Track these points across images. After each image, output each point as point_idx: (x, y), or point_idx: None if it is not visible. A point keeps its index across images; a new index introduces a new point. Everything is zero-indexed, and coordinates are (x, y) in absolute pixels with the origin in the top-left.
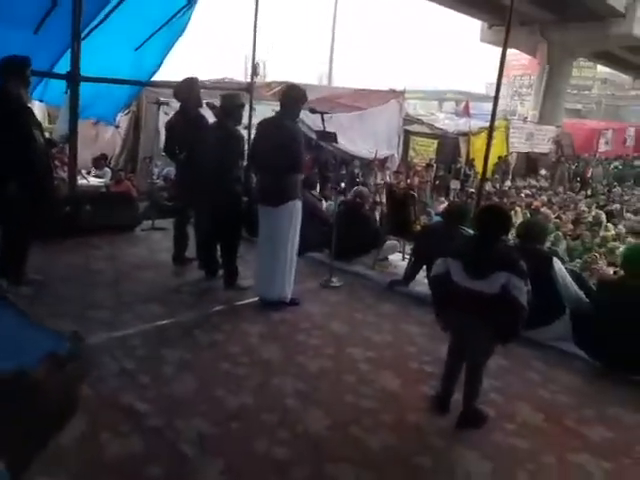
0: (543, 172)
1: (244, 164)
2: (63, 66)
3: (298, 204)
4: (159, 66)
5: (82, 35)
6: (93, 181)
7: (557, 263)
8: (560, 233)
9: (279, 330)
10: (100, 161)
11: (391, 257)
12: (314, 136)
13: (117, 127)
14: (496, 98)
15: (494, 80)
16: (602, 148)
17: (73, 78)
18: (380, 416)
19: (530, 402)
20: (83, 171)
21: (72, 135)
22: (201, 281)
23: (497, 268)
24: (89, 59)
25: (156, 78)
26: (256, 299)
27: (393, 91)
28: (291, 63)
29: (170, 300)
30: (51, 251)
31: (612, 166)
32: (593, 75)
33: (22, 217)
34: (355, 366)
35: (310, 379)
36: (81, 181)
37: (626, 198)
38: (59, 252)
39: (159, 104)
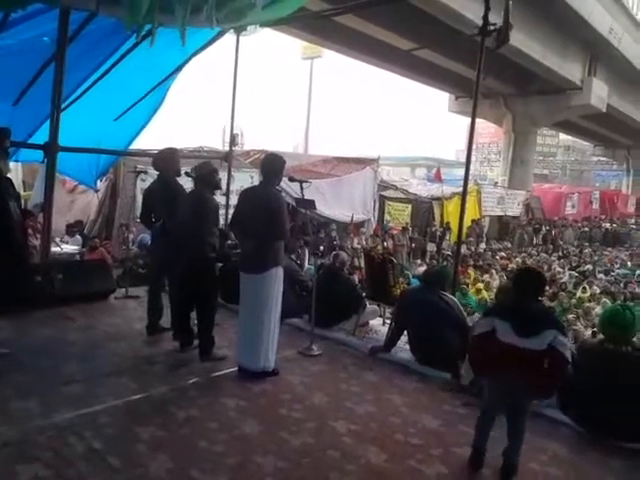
0: None
1: (218, 231)
2: (40, 134)
3: (280, 271)
4: (137, 135)
5: (62, 106)
6: (67, 248)
7: None
8: None
9: (259, 403)
10: (72, 228)
11: (372, 322)
12: (294, 203)
13: (97, 191)
14: (467, 164)
15: (463, 147)
16: (569, 211)
17: (51, 149)
18: None
19: (521, 476)
20: (57, 239)
21: (47, 205)
22: (176, 352)
23: (545, 327)
24: (67, 128)
25: (133, 146)
26: (234, 369)
27: (368, 159)
28: (268, 132)
29: (144, 372)
30: (21, 322)
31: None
32: (556, 142)
33: None
34: (339, 440)
35: (292, 456)
36: (54, 249)
37: (596, 259)
38: (30, 323)
39: (137, 172)
